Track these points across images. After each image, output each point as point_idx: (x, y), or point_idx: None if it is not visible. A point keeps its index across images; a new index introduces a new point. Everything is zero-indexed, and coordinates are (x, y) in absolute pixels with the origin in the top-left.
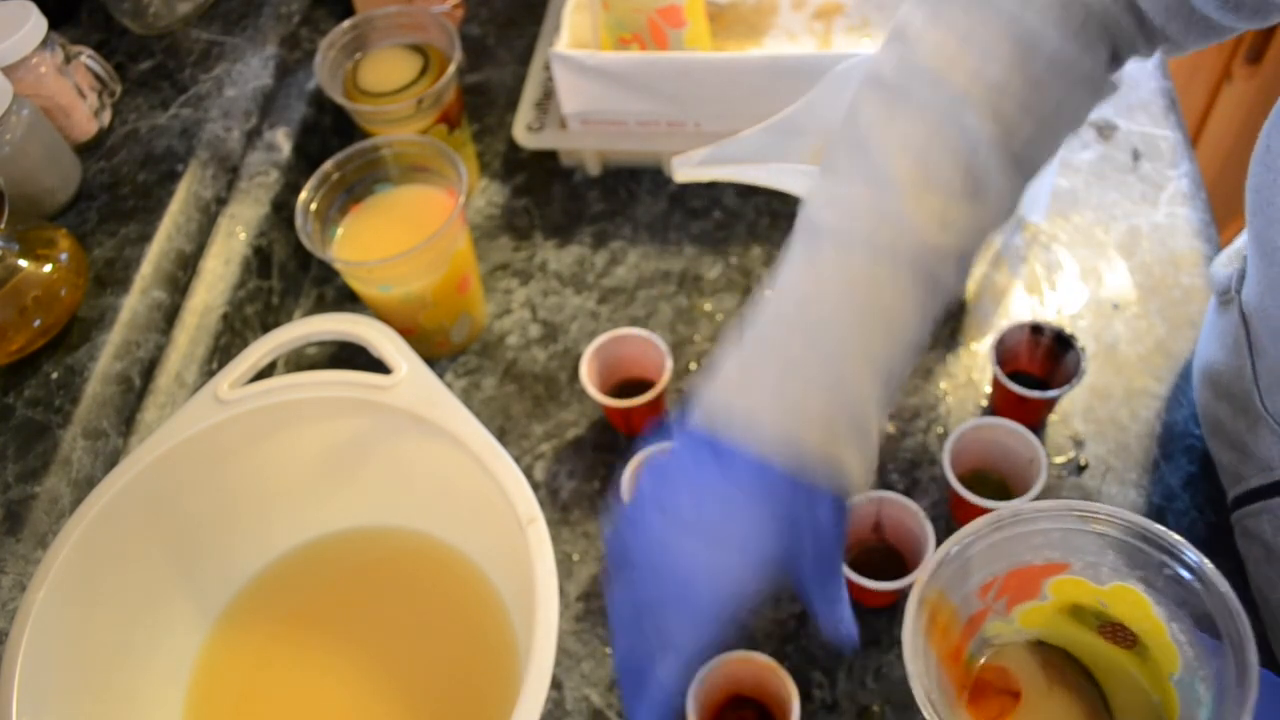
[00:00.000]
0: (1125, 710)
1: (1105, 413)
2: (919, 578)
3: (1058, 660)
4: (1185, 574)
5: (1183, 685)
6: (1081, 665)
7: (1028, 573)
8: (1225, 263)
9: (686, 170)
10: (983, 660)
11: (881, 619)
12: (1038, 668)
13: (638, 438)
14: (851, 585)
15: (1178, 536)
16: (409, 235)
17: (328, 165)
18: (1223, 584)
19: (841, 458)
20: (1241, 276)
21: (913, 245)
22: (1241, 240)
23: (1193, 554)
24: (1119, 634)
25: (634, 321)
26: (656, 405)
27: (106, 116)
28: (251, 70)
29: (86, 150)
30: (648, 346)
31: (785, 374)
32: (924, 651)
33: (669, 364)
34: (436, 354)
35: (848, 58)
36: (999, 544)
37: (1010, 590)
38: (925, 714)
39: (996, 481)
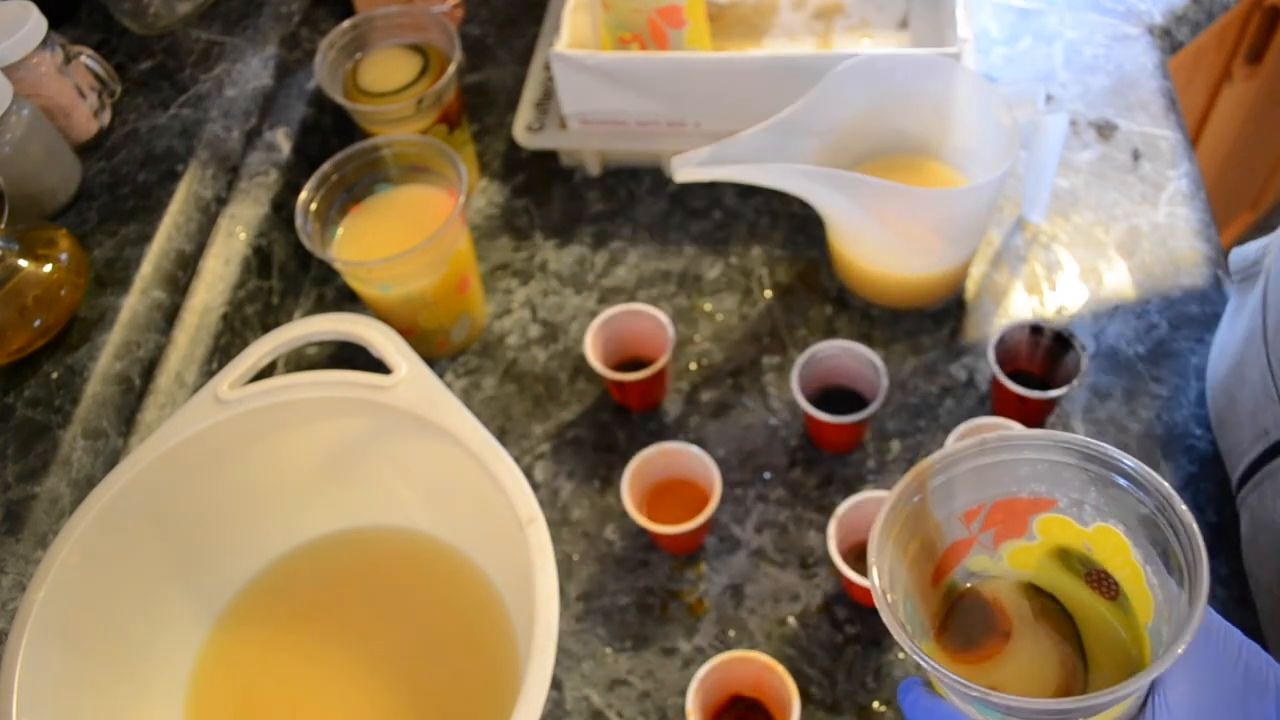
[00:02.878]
0: (1101, 664)
1: (1105, 413)
2: (890, 498)
3: (1042, 602)
4: (1149, 504)
5: (1154, 633)
6: (1066, 613)
7: (1014, 506)
8: (1252, 248)
9: (687, 170)
10: (967, 585)
11: (881, 619)
12: (1025, 605)
13: (637, 414)
14: (851, 585)
15: (1145, 467)
16: (409, 235)
17: (328, 165)
18: (1175, 498)
19: None
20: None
21: None
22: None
23: (1154, 479)
24: (1104, 583)
25: None
26: (658, 381)
27: (106, 116)
28: (251, 70)
29: (86, 150)
30: (653, 324)
31: None
32: (892, 556)
33: (671, 338)
34: (436, 354)
35: (848, 58)
36: (984, 470)
37: (997, 523)
38: (885, 617)
39: None
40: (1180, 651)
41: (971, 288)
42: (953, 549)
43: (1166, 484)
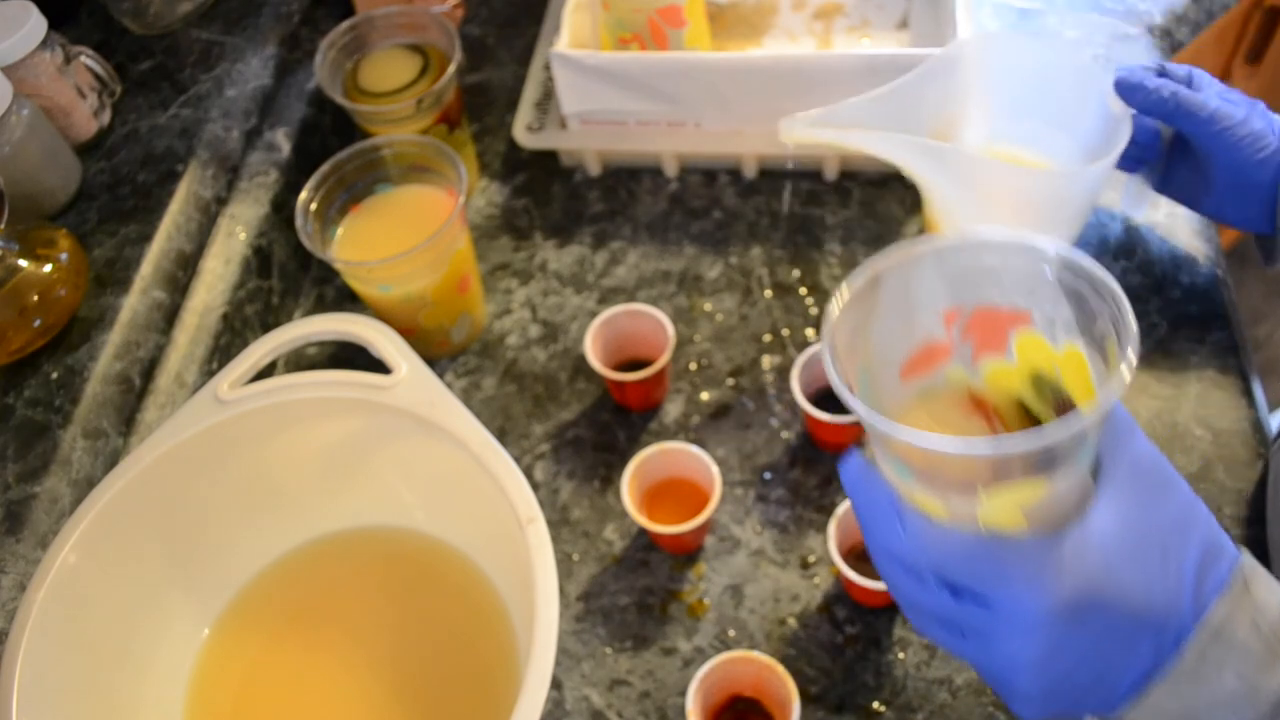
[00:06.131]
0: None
1: None
2: (873, 260)
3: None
4: (1105, 311)
5: None
6: None
7: (994, 316)
8: None
9: (797, 130)
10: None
11: (881, 619)
12: (1016, 422)
13: (636, 414)
14: (851, 585)
15: (1108, 276)
16: (409, 235)
17: (328, 165)
18: (1115, 285)
19: None
20: None
21: None
22: None
23: (1110, 282)
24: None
25: None
26: (658, 381)
27: (106, 116)
28: (251, 70)
29: (86, 150)
30: (653, 324)
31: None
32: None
33: (671, 338)
34: (436, 354)
35: (848, 58)
36: (969, 270)
37: (976, 332)
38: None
39: None
40: (1086, 418)
41: None
42: (928, 349)
43: (1112, 279)
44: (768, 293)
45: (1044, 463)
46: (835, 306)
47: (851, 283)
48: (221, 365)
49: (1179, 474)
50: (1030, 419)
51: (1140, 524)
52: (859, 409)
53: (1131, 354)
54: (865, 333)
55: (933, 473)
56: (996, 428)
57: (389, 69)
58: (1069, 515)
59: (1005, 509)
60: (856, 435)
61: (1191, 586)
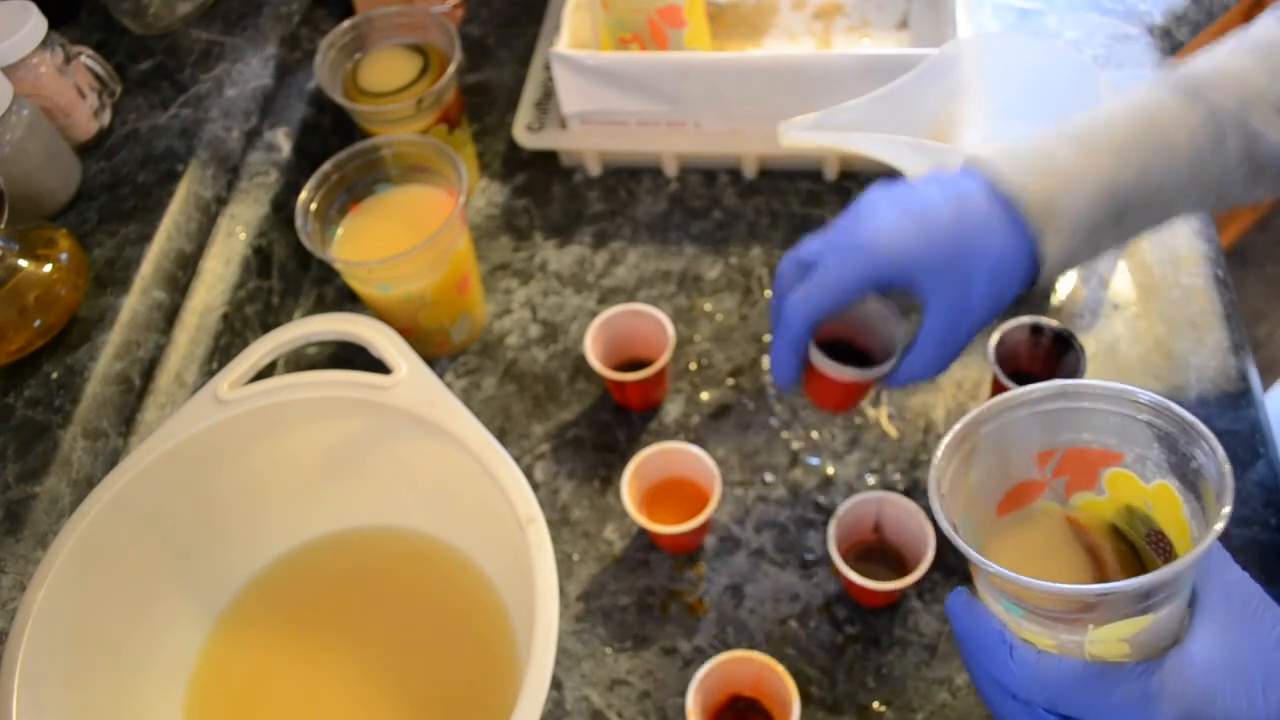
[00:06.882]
0: None
1: None
2: (973, 413)
3: (1124, 549)
4: (1199, 457)
5: None
6: (1142, 567)
7: (1086, 456)
8: None
9: (795, 135)
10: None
11: (881, 619)
12: (1109, 546)
13: (637, 414)
14: (851, 585)
15: (1204, 427)
16: (409, 235)
17: (328, 165)
18: (1212, 437)
19: (1057, 222)
20: None
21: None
22: None
23: (1205, 430)
24: (1161, 544)
25: None
26: (658, 381)
27: (106, 116)
28: (251, 70)
29: (86, 150)
30: (653, 324)
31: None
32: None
33: (671, 338)
34: (436, 354)
35: (848, 58)
36: (1061, 413)
37: (1069, 471)
38: (946, 529)
39: None
40: (1188, 560)
41: None
42: (1022, 487)
43: (1209, 432)
44: (768, 293)
45: (1149, 600)
46: (939, 454)
47: (953, 432)
48: (221, 365)
49: (1273, 601)
50: (1123, 540)
51: (1238, 650)
52: (974, 557)
53: (1229, 498)
54: (964, 477)
55: (1043, 609)
56: (1095, 546)
57: (389, 69)
58: (1169, 641)
59: (1111, 641)
60: (856, 395)
61: None
